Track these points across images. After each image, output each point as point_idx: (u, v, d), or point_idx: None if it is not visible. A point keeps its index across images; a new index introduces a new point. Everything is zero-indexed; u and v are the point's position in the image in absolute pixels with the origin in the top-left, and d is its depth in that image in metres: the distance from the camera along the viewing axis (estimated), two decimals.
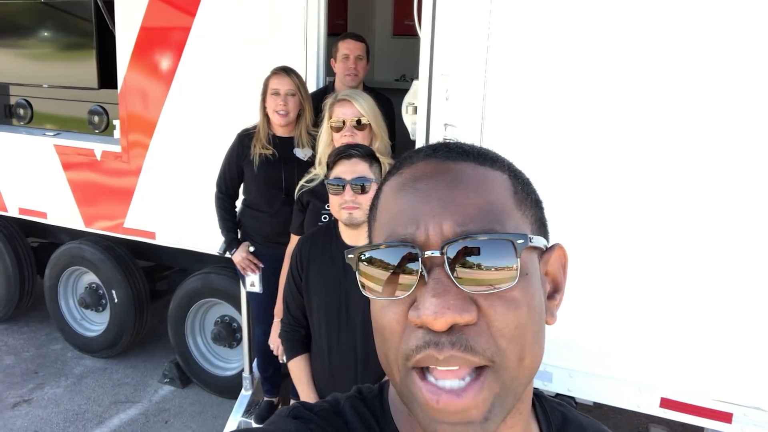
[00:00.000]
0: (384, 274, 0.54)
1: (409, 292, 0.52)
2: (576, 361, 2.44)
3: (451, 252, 0.51)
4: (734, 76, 2.07)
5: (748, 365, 2.20)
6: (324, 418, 0.62)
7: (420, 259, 0.52)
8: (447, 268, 0.51)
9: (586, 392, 2.48)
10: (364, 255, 0.55)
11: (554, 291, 0.62)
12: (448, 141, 0.62)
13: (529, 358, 0.54)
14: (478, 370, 0.51)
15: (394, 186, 0.59)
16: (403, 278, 0.53)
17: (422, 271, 0.52)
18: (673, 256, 2.23)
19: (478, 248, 0.52)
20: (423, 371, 0.52)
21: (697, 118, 2.13)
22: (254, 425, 3.13)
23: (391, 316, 0.54)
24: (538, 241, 0.57)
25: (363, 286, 0.56)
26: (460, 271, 0.51)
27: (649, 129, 2.20)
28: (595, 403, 2.60)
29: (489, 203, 0.55)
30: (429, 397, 0.51)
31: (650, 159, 2.21)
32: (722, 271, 2.17)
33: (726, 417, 2.27)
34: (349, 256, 0.57)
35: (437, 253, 0.52)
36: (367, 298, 0.58)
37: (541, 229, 0.60)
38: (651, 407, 2.38)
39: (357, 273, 0.56)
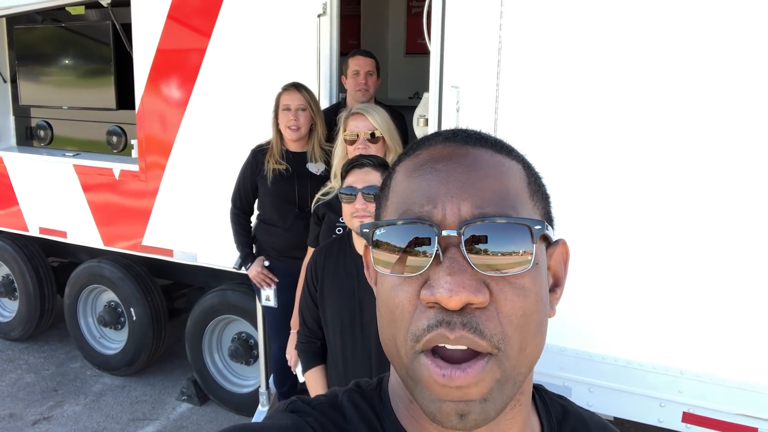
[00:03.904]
0: (397, 251, 0.53)
1: (422, 270, 0.52)
2: (596, 375, 2.40)
3: (468, 233, 0.52)
4: (739, 80, 2.06)
5: None
6: (321, 411, 0.62)
7: (436, 237, 0.52)
8: (463, 248, 0.51)
9: (607, 407, 2.44)
10: (380, 230, 0.55)
11: (555, 285, 0.62)
12: (467, 128, 0.63)
13: (530, 348, 0.54)
14: (481, 355, 0.52)
15: (410, 166, 0.58)
16: (417, 256, 0.53)
17: (438, 250, 0.52)
18: (696, 267, 2.19)
19: (494, 232, 0.52)
20: (431, 352, 0.52)
21: (706, 119, 2.12)
22: None
23: (402, 295, 0.53)
24: (550, 231, 0.58)
25: (375, 262, 0.55)
26: (475, 253, 0.52)
27: (664, 141, 2.19)
28: (615, 417, 2.55)
29: (505, 190, 0.55)
30: (435, 372, 0.51)
31: (668, 171, 2.19)
32: (747, 283, 2.13)
33: None
34: (364, 230, 0.56)
35: (454, 233, 0.52)
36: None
37: (549, 223, 0.61)
38: (673, 422, 2.32)
39: (370, 249, 0.56)
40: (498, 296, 0.52)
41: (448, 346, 0.51)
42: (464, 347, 0.51)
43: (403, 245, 0.53)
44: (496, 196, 0.54)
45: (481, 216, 0.52)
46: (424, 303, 0.52)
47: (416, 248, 0.53)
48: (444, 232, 0.52)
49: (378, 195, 0.63)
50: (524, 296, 0.53)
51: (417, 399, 0.54)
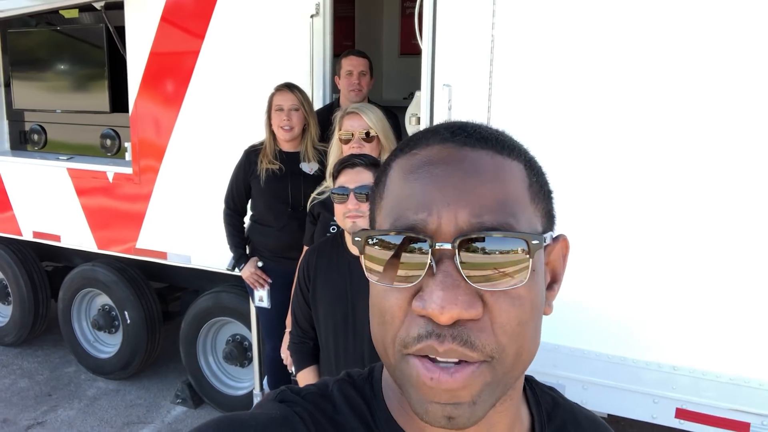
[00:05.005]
0: (389, 260, 0.52)
1: (415, 283, 0.51)
2: (589, 372, 2.40)
3: (463, 246, 0.50)
4: (735, 78, 2.07)
5: (765, 373, 2.15)
6: (311, 401, 0.61)
7: (430, 250, 0.51)
8: (457, 262, 0.50)
9: (601, 404, 2.44)
10: (372, 240, 0.54)
11: (553, 281, 0.61)
12: (466, 122, 0.59)
13: (525, 353, 0.54)
14: (471, 363, 0.51)
15: (405, 167, 0.56)
16: (410, 267, 0.51)
17: (431, 261, 0.51)
18: (688, 264, 2.20)
19: (491, 244, 0.51)
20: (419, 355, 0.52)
21: (704, 114, 2.13)
22: None
23: (393, 301, 0.53)
24: (548, 239, 0.57)
25: (367, 270, 0.54)
26: (470, 266, 0.50)
27: (659, 139, 2.19)
28: (609, 414, 2.55)
29: (505, 195, 0.53)
30: (423, 374, 0.50)
31: (659, 167, 2.20)
32: (738, 279, 2.14)
33: (743, 427, 2.22)
34: (356, 239, 0.55)
35: (448, 246, 0.50)
36: None
37: (550, 221, 0.59)
38: (666, 418, 2.33)
39: (362, 257, 0.55)
40: (493, 307, 0.51)
41: (438, 358, 0.50)
42: (454, 359, 0.50)
43: (395, 255, 0.52)
44: (495, 202, 0.52)
45: (479, 226, 0.51)
46: (414, 312, 0.51)
47: (409, 258, 0.51)
48: (437, 245, 0.50)
49: (373, 190, 0.61)
50: (520, 305, 0.52)
51: (407, 397, 0.53)
